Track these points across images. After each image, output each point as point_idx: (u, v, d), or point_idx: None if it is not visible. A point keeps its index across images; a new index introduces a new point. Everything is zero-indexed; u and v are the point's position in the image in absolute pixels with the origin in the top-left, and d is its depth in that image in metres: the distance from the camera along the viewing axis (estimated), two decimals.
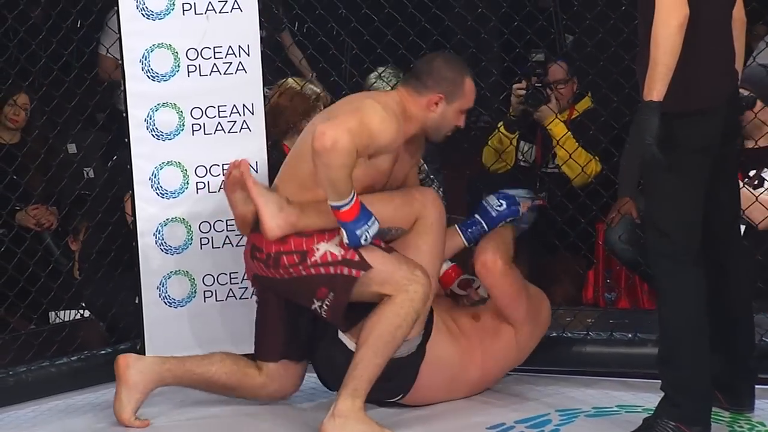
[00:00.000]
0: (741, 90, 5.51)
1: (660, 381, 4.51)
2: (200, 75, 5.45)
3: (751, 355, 4.78)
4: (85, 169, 7.27)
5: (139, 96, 5.43)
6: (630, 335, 5.41)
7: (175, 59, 5.43)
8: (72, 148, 7.33)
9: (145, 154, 5.45)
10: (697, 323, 4.43)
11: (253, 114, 5.50)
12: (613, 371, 5.39)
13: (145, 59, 5.42)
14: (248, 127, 5.50)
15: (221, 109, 5.48)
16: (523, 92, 6.33)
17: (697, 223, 4.40)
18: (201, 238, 5.49)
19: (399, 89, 4.96)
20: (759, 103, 5.64)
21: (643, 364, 5.31)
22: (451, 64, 4.93)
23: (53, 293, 6.08)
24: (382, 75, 6.29)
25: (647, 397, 5.08)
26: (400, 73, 6.23)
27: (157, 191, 5.47)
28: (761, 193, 5.59)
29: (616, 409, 5.05)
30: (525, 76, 6.31)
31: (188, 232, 5.49)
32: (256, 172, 5.46)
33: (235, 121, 5.48)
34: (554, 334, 5.49)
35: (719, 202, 4.56)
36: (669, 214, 4.37)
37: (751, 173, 5.69)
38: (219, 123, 5.49)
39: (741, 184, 5.52)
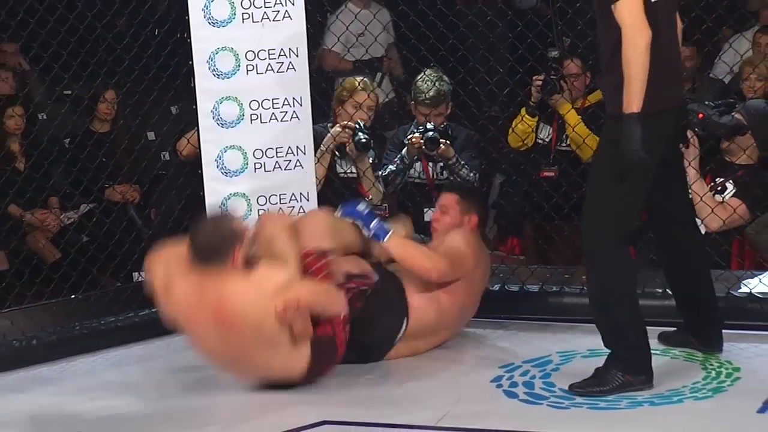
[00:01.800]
0: (738, 116, 5.60)
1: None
2: (257, 73, 5.49)
3: (716, 307, 4.82)
4: (162, 152, 7.32)
5: (207, 91, 5.47)
6: None
7: (236, 60, 5.47)
8: (151, 136, 7.36)
9: (211, 140, 5.50)
10: (628, 290, 4.46)
11: (301, 105, 5.54)
12: None
13: (212, 60, 5.47)
14: (297, 117, 5.53)
15: (275, 101, 5.51)
16: (540, 83, 6.29)
17: (634, 212, 4.44)
18: (258, 210, 5.54)
19: None
20: (749, 134, 5.66)
21: None
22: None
23: (136, 256, 6.14)
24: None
25: None
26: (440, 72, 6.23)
27: (222, 171, 5.52)
28: (722, 198, 5.68)
29: (606, 351, 5.06)
30: (543, 70, 6.28)
31: (248, 205, 5.54)
32: (304, 154, 5.52)
33: (287, 112, 5.51)
34: (554, 289, 5.53)
35: (672, 190, 4.62)
36: (612, 202, 4.34)
37: (718, 180, 5.74)
38: (273, 113, 5.52)
39: (707, 190, 5.64)
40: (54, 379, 5.12)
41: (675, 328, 4.97)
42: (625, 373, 4.41)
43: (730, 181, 5.75)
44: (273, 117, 5.52)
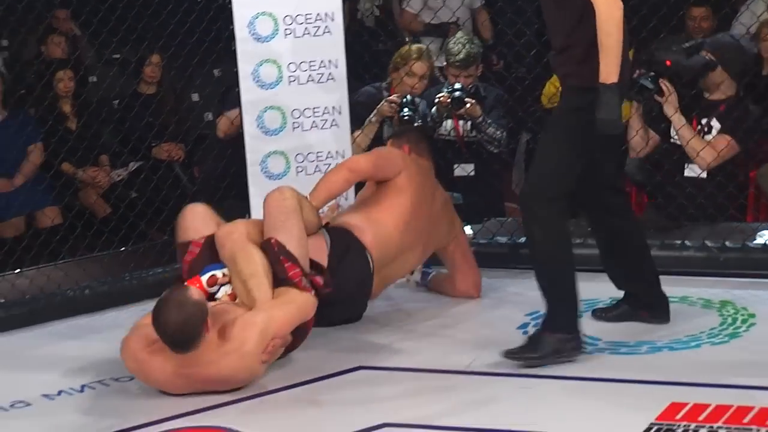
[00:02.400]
0: (708, 55, 5.51)
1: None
2: (295, 37, 5.46)
3: (658, 282, 4.66)
4: (205, 113, 7.34)
5: (247, 54, 5.45)
6: None
7: (275, 24, 5.45)
8: (195, 97, 7.38)
9: (252, 101, 5.49)
10: (564, 249, 4.33)
11: (337, 67, 5.50)
12: None
13: (252, 24, 5.44)
14: (333, 78, 5.51)
15: (312, 63, 5.49)
16: None
17: (575, 176, 4.27)
18: (297, 167, 5.53)
19: None
20: (720, 68, 5.54)
21: None
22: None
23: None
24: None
25: None
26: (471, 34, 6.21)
27: (262, 130, 5.52)
28: (711, 138, 5.59)
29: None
30: None
31: (287, 163, 5.54)
32: (340, 114, 5.51)
33: (323, 73, 5.49)
34: (578, 240, 5.50)
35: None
36: (560, 166, 4.24)
37: (704, 121, 5.65)
38: (310, 75, 5.50)
39: (694, 134, 5.56)
40: (105, 327, 5.15)
41: (611, 303, 4.79)
42: (555, 332, 4.26)
43: (714, 119, 5.64)
44: (310, 78, 5.49)
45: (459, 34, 6.18)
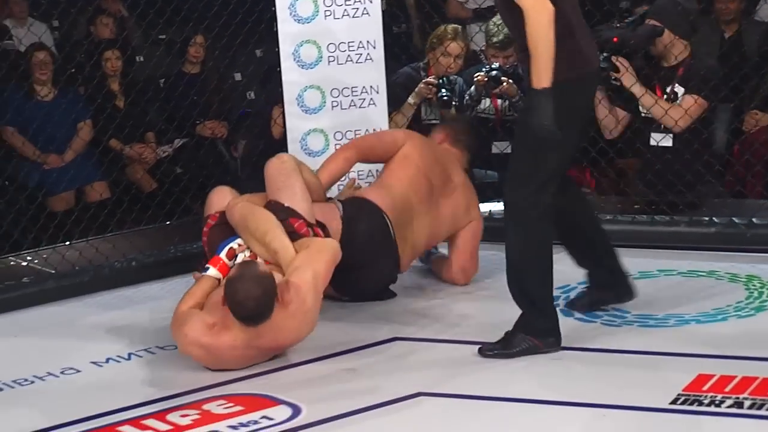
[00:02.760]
0: (651, 22, 5.42)
1: None
2: (334, 18, 5.44)
3: (616, 260, 4.47)
4: (248, 92, 7.34)
5: (288, 35, 5.45)
6: (668, 218, 5.39)
7: (315, 5, 5.42)
8: (238, 76, 7.39)
9: (293, 80, 5.49)
10: (543, 256, 4.10)
11: (374, 48, 5.49)
12: (653, 245, 5.36)
13: (293, 6, 5.43)
14: (371, 58, 5.49)
15: (350, 44, 5.47)
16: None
17: (557, 180, 4.09)
18: (335, 144, 5.52)
19: None
20: (667, 32, 5.46)
21: (677, 239, 5.31)
22: None
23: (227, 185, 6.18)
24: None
25: (680, 264, 5.10)
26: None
27: (302, 108, 5.51)
28: (678, 102, 5.50)
29: (656, 272, 5.04)
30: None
31: (325, 140, 5.53)
32: (377, 93, 5.50)
33: (361, 54, 5.47)
34: (608, 217, 5.48)
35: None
36: (535, 171, 4.01)
37: (668, 89, 5.54)
38: (348, 55, 5.49)
39: (664, 101, 5.47)
40: (151, 298, 5.19)
41: (581, 292, 4.62)
42: (529, 335, 4.11)
43: (677, 85, 5.55)
44: (349, 59, 5.48)
45: (498, 16, 6.13)
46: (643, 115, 5.62)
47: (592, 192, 5.89)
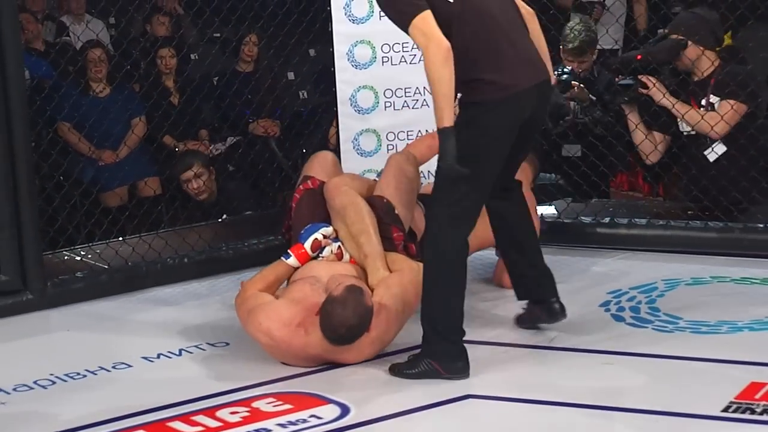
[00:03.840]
0: (673, 36, 5.36)
1: None
2: (389, 18, 5.44)
3: (547, 273, 4.36)
4: (301, 91, 7.36)
5: (343, 35, 5.46)
6: (722, 224, 5.33)
7: (370, 5, 5.43)
8: (291, 75, 7.40)
9: (346, 80, 5.49)
10: (454, 277, 3.98)
11: None
12: (708, 251, 5.30)
13: (347, 6, 5.45)
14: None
15: (405, 45, 5.47)
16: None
17: (475, 201, 3.98)
18: (387, 145, 5.53)
19: None
20: (690, 44, 5.39)
21: (731, 246, 5.25)
22: None
23: (277, 185, 6.22)
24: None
25: (733, 271, 5.05)
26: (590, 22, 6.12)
27: (355, 108, 5.52)
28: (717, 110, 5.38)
29: (709, 279, 5.00)
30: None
31: (378, 140, 5.54)
32: (430, 94, 5.46)
33: (415, 54, 5.47)
34: (661, 222, 5.44)
35: (514, 165, 4.18)
36: (451, 190, 3.91)
37: (703, 102, 5.46)
38: (402, 56, 5.49)
39: (701, 110, 5.38)
40: (202, 295, 5.22)
41: (525, 309, 4.45)
42: (431, 360, 3.98)
43: (711, 96, 5.45)
44: (402, 59, 5.48)
45: (575, 20, 6.04)
46: (685, 134, 5.55)
47: (645, 197, 5.85)
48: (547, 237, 4.98)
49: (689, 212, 5.48)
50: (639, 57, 5.43)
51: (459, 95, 3.94)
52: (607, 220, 5.55)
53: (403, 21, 3.92)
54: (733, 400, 3.69)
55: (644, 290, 4.88)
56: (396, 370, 4.06)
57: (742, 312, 4.53)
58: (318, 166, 4.73)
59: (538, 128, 4.28)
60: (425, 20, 3.85)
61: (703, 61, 5.44)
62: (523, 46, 4.05)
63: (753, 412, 3.62)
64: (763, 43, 5.94)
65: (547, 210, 5.60)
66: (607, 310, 4.66)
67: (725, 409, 3.64)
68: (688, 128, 5.49)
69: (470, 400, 3.85)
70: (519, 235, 4.33)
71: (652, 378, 3.97)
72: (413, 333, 4.39)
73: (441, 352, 4.00)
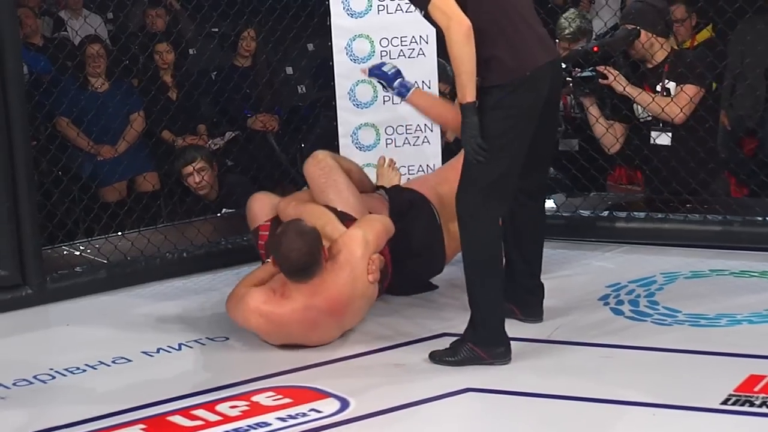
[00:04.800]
0: (625, 26, 5.42)
1: None
2: (387, 13, 5.45)
3: (539, 275, 4.43)
4: (299, 86, 7.37)
5: (341, 29, 5.45)
6: (721, 217, 5.34)
7: (368, 1, 5.45)
8: (289, 70, 7.41)
9: (344, 74, 5.49)
10: (492, 263, 4.04)
11: (427, 43, 5.48)
12: (707, 244, 5.31)
13: (346, 0, 5.45)
14: (423, 54, 5.49)
15: (403, 39, 5.47)
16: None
17: (507, 184, 4.02)
18: (386, 139, 5.53)
19: None
20: (643, 32, 5.44)
21: (732, 239, 5.25)
22: None
23: (276, 178, 6.23)
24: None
25: (733, 264, 5.05)
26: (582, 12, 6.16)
27: (354, 102, 5.52)
28: (673, 96, 5.43)
29: (708, 272, 5.00)
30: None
31: (377, 134, 5.54)
32: (429, 88, 5.49)
33: (413, 48, 5.47)
34: (659, 216, 5.45)
35: (534, 154, 4.14)
36: (481, 175, 3.95)
37: (658, 88, 5.49)
38: (401, 50, 5.48)
39: (654, 95, 5.43)
40: (201, 289, 5.22)
41: None
42: (474, 345, 4.03)
43: (666, 81, 5.49)
44: (401, 53, 5.48)
45: (570, 11, 6.13)
46: (642, 120, 5.58)
47: (642, 190, 5.86)
48: (546, 231, 4.96)
49: (687, 205, 5.47)
50: (596, 49, 5.48)
51: (477, 79, 3.97)
52: (605, 213, 5.56)
53: (422, 1, 3.96)
54: (732, 393, 3.70)
55: (643, 284, 4.89)
56: (437, 358, 4.09)
57: (741, 305, 4.54)
58: (260, 211, 4.82)
59: (556, 110, 4.35)
60: (445, 0, 3.90)
61: (656, 48, 5.49)
62: (537, 24, 4.15)
63: (752, 404, 3.63)
64: (761, 35, 5.94)
65: (546, 204, 5.60)
66: (606, 303, 4.67)
67: (724, 402, 3.65)
68: (645, 115, 5.55)
69: (470, 393, 3.86)
70: (528, 244, 4.37)
71: (651, 371, 3.98)
72: (423, 324, 4.43)
73: (483, 338, 4.04)
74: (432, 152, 5.54)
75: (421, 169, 5.53)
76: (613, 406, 3.72)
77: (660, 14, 5.52)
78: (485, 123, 3.93)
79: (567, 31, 6.02)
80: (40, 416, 3.84)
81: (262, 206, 4.84)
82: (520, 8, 4.09)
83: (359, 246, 4.30)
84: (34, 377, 4.19)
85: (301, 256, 4.15)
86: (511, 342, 4.23)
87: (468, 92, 3.90)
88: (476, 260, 4.05)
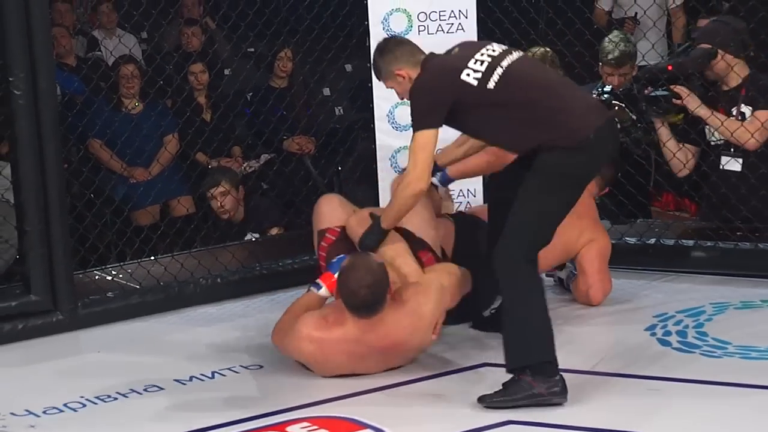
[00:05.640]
0: (703, 45, 5.38)
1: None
2: (428, 33, 5.47)
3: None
4: (337, 107, 7.38)
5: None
6: None
7: (408, 20, 5.52)
8: (326, 91, 7.42)
9: (383, 96, 5.47)
10: (539, 304, 4.02)
11: (467, 18, 5.48)
12: (758, 274, 5.26)
13: (386, 20, 5.52)
14: (463, 29, 5.48)
15: (441, 14, 5.48)
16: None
17: (547, 237, 4.09)
18: None
19: None
20: (719, 52, 5.38)
21: None
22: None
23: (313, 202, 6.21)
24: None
25: None
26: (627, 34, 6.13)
27: (393, 125, 5.53)
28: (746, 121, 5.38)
29: (759, 303, 4.96)
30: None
31: None
32: None
33: (452, 24, 5.47)
34: (708, 244, 5.40)
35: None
36: (530, 229, 4.02)
37: (734, 111, 5.42)
38: (440, 25, 5.49)
39: (726, 118, 5.38)
40: (236, 316, 5.23)
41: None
42: (532, 381, 3.95)
43: (743, 105, 5.42)
44: (440, 29, 5.47)
45: (614, 32, 6.03)
46: (713, 143, 5.53)
47: (692, 217, 5.82)
48: None
49: (738, 233, 5.43)
50: (670, 67, 5.42)
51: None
52: (652, 241, 5.52)
53: (413, 122, 4.15)
54: None
55: (692, 314, 4.85)
56: (490, 401, 3.99)
57: None
58: (328, 213, 4.74)
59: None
60: (428, 141, 4.11)
61: (733, 71, 5.43)
62: (579, 94, 4.20)
63: None
64: None
65: None
66: (653, 334, 4.63)
67: None
68: (715, 139, 5.49)
69: (511, 425, 3.83)
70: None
71: (698, 405, 3.94)
72: (465, 353, 4.38)
73: (538, 375, 3.96)
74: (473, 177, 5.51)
75: (461, 193, 5.51)
76: None
77: (739, 36, 5.44)
78: (541, 182, 3.98)
79: (611, 56, 5.90)
80: None
81: (332, 209, 4.76)
82: (557, 86, 4.13)
83: (430, 299, 4.27)
84: (65, 405, 4.20)
85: (368, 295, 4.12)
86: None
87: (388, 222, 4.36)
88: (528, 306, 4.00)
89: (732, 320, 4.76)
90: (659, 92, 5.47)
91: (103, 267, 5.55)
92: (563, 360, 4.32)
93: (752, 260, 5.31)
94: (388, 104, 5.49)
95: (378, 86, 5.45)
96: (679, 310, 4.88)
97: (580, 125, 4.01)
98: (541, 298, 4.03)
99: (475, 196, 5.50)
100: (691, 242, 5.44)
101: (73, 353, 4.88)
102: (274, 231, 6.26)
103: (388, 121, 5.51)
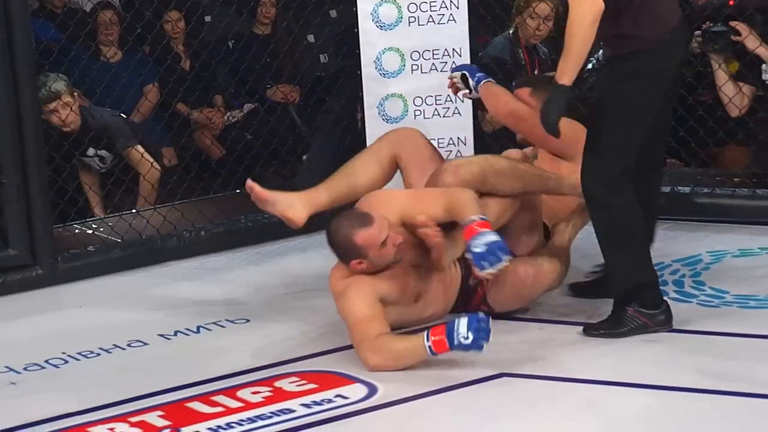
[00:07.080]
0: None
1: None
2: None
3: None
4: (321, 54, 7.34)
5: None
6: None
7: None
8: (311, 38, 7.38)
9: (371, 42, 5.48)
10: (633, 229, 4.05)
11: (458, 8, 5.47)
12: (756, 221, 5.29)
13: None
14: (454, 19, 5.47)
15: (432, 4, 5.46)
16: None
17: (632, 154, 4.01)
18: (414, 111, 5.52)
19: None
20: None
21: None
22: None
23: (298, 153, 6.21)
24: None
25: None
26: None
27: (380, 72, 5.51)
28: None
29: (757, 250, 4.98)
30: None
31: (404, 105, 5.53)
32: (460, 56, 5.47)
33: (443, 14, 5.46)
34: (705, 190, 5.42)
35: (657, 129, 4.14)
36: (610, 146, 3.98)
37: None
38: (430, 16, 5.48)
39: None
40: (220, 269, 5.24)
41: (590, 280, 4.61)
42: (637, 313, 4.07)
43: None
44: (430, 20, 5.47)
45: None
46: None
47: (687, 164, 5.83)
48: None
49: (735, 180, 5.44)
50: (732, 2, 5.35)
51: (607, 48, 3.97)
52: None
53: None
54: None
55: (688, 263, 4.87)
56: (600, 331, 4.09)
57: None
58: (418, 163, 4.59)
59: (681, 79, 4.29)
60: None
61: None
62: None
63: None
64: None
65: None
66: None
67: None
68: None
69: (504, 378, 3.85)
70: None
71: (698, 355, 3.96)
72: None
73: (645, 301, 4.06)
74: (462, 124, 5.52)
75: (451, 141, 5.51)
76: (658, 392, 3.71)
77: None
78: (618, 92, 3.93)
79: None
80: (52, 402, 3.85)
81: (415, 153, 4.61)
82: None
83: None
84: (46, 362, 4.21)
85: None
86: (548, 324, 4.23)
87: (569, 74, 3.89)
88: (621, 232, 4.02)
89: (729, 269, 4.78)
90: (718, 27, 5.40)
91: (83, 220, 5.55)
92: (559, 312, 4.38)
93: (750, 207, 5.32)
94: (375, 50, 5.47)
95: (364, 31, 5.46)
96: (676, 258, 4.90)
97: (662, 25, 3.95)
98: (634, 224, 4.03)
99: (465, 145, 5.48)
100: (687, 189, 5.45)
101: (54, 308, 4.89)
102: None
103: (376, 68, 5.49)
